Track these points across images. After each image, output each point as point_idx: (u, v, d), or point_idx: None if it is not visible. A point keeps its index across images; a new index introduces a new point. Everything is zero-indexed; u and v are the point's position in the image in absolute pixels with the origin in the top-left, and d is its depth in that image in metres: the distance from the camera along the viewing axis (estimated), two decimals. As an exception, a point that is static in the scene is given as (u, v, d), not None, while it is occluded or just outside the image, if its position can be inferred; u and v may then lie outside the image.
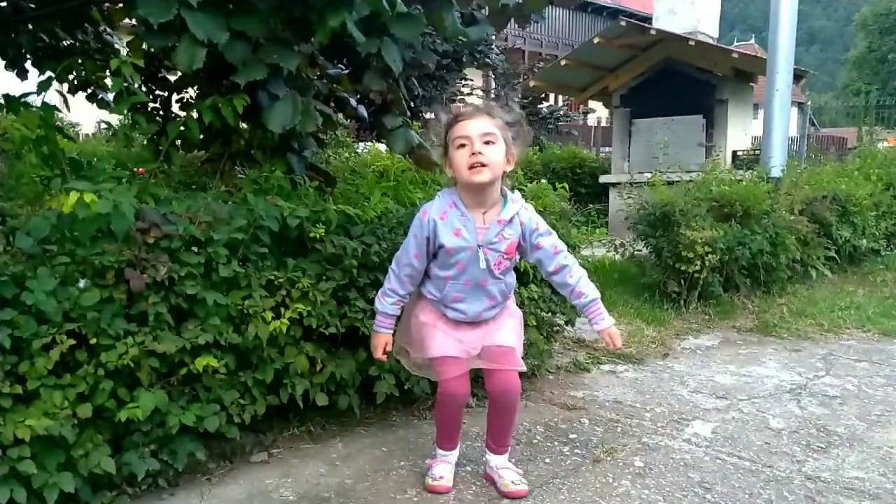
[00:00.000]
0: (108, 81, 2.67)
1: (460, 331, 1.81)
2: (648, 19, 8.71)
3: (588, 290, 1.83)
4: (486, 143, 1.69)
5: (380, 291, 1.87)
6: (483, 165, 1.67)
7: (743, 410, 2.51)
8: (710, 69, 7.21)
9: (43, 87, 2.28)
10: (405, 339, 1.90)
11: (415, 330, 1.86)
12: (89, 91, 2.99)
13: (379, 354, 1.87)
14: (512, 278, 1.87)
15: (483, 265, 1.75)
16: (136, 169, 2.39)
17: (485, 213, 1.75)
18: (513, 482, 1.81)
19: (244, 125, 2.68)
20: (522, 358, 1.86)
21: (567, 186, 3.03)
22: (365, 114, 3.23)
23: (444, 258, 1.77)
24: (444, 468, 1.86)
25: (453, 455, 1.91)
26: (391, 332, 1.87)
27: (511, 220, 1.76)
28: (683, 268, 3.77)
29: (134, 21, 2.53)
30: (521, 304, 2.19)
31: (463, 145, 1.70)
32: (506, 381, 1.80)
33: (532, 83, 9.17)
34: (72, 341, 1.64)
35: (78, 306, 1.66)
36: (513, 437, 1.94)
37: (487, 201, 1.76)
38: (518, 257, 1.83)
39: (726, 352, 3.34)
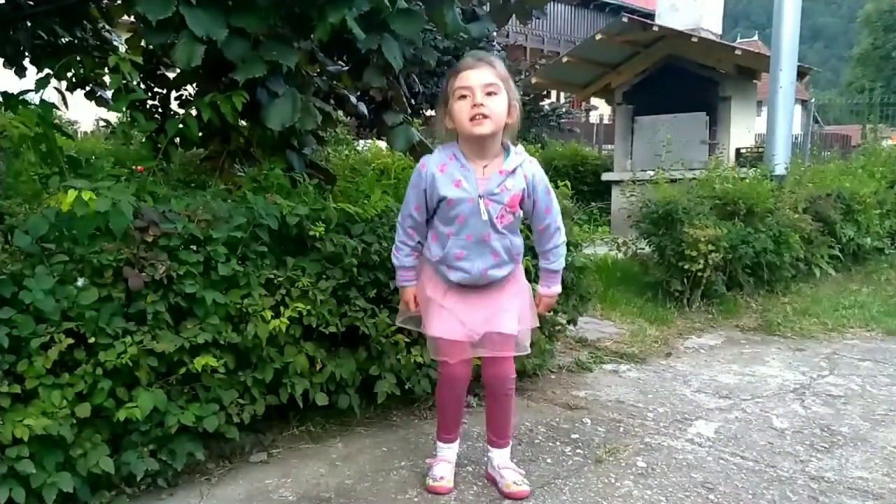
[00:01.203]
0: (107, 79, 2.66)
1: (465, 304, 1.76)
2: (651, 16, 8.68)
3: (554, 258, 1.83)
4: (488, 94, 1.65)
5: (393, 248, 1.85)
6: (485, 117, 1.64)
7: (746, 410, 2.49)
8: (714, 66, 7.18)
9: (41, 84, 2.27)
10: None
11: (423, 303, 1.83)
12: (88, 88, 2.98)
13: (412, 308, 1.85)
14: (519, 240, 1.80)
15: (484, 217, 1.70)
16: (134, 167, 2.38)
17: (486, 167, 1.72)
18: (515, 483, 1.80)
19: (243, 123, 2.67)
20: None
21: (569, 184, 3.02)
22: (365, 111, 3.22)
23: (445, 211, 1.72)
24: (444, 468, 1.85)
25: (453, 449, 1.90)
26: (414, 283, 1.84)
27: (514, 171, 1.72)
28: (686, 266, 3.75)
29: (133, 18, 2.52)
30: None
31: (464, 96, 1.66)
32: (501, 367, 1.81)
33: (534, 80, 9.14)
34: (70, 340, 1.63)
35: (76, 305, 1.66)
36: (514, 438, 1.93)
37: (489, 154, 1.72)
38: (521, 213, 1.78)
39: (729, 351, 3.33)
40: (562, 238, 1.83)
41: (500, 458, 1.86)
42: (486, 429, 1.90)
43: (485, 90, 1.65)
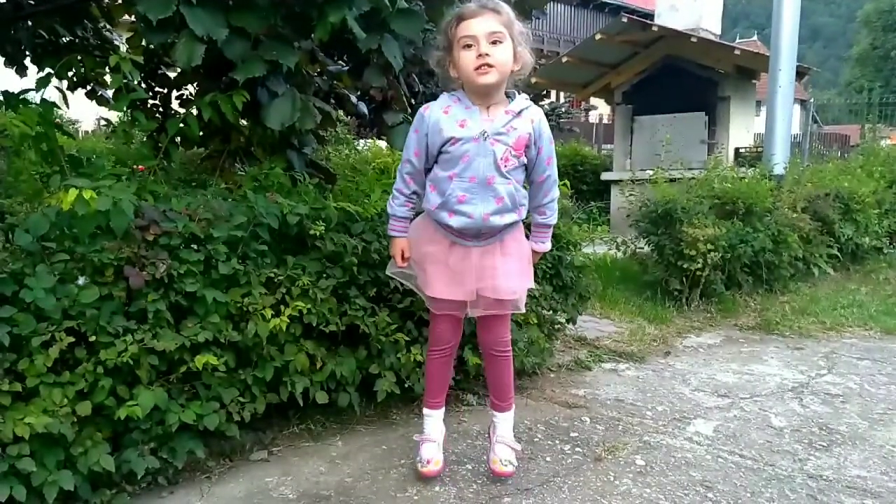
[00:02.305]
0: (108, 78, 2.67)
1: (465, 263, 1.74)
2: (650, 16, 8.68)
3: (550, 212, 1.85)
4: (493, 42, 1.63)
5: (389, 197, 1.84)
6: (490, 66, 1.63)
7: (745, 409, 2.50)
8: (713, 66, 7.19)
9: (42, 83, 2.27)
10: (412, 264, 1.85)
11: (421, 258, 1.81)
12: (88, 88, 2.99)
13: (400, 262, 1.83)
14: (524, 191, 1.78)
15: (487, 155, 1.68)
16: (135, 166, 2.38)
17: (490, 109, 1.71)
18: (501, 461, 1.82)
19: (244, 122, 2.68)
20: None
21: (568, 184, 3.01)
22: (365, 110, 3.22)
23: (449, 154, 1.69)
24: (430, 449, 1.86)
25: (438, 419, 1.91)
26: (405, 235, 1.82)
27: (520, 113, 1.71)
28: (685, 265, 3.75)
29: (133, 17, 2.52)
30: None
31: (469, 45, 1.63)
32: (495, 328, 1.84)
33: (533, 80, 9.11)
34: (71, 339, 1.64)
35: (77, 304, 1.66)
36: (513, 435, 1.93)
37: (493, 100, 1.71)
38: (525, 160, 1.75)
39: (728, 350, 3.33)
40: (557, 191, 1.85)
41: (503, 425, 1.88)
42: (489, 393, 1.93)
43: (489, 39, 1.63)
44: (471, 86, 1.69)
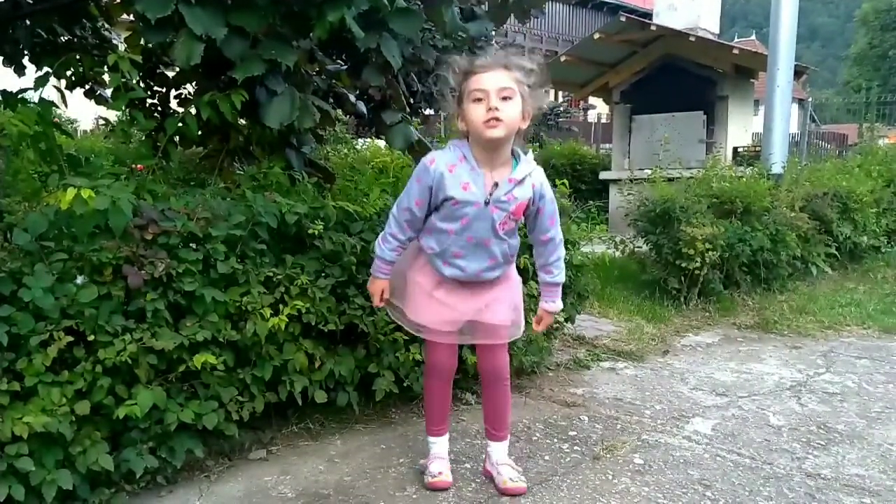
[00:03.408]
0: (106, 77, 2.67)
1: (455, 296, 1.76)
2: (649, 15, 8.68)
3: (558, 271, 1.84)
4: (503, 98, 1.64)
5: (380, 236, 1.83)
6: (499, 121, 1.63)
7: (743, 408, 2.50)
8: (711, 65, 7.20)
9: (40, 82, 2.27)
10: (398, 293, 1.85)
11: (410, 287, 1.81)
12: (87, 87, 2.99)
13: (377, 302, 1.85)
14: (516, 240, 1.80)
15: (486, 220, 1.70)
16: (134, 165, 2.38)
17: (494, 171, 1.71)
18: (511, 479, 1.81)
19: (242, 121, 2.68)
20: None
21: (567, 183, 3.02)
22: (364, 110, 3.22)
23: (449, 211, 1.71)
24: (440, 464, 1.86)
25: (444, 444, 1.90)
26: (389, 277, 1.83)
27: (522, 181, 1.72)
28: (684, 265, 3.76)
29: (132, 16, 2.52)
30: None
31: (479, 99, 1.64)
32: (494, 357, 1.83)
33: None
34: (70, 338, 1.64)
35: (76, 303, 1.66)
36: (512, 435, 1.94)
37: (499, 159, 1.71)
38: (522, 220, 1.77)
39: (726, 349, 3.34)
40: (563, 251, 1.84)
41: (499, 452, 1.87)
42: (484, 422, 1.91)
43: (500, 94, 1.64)
44: (478, 139, 1.68)
